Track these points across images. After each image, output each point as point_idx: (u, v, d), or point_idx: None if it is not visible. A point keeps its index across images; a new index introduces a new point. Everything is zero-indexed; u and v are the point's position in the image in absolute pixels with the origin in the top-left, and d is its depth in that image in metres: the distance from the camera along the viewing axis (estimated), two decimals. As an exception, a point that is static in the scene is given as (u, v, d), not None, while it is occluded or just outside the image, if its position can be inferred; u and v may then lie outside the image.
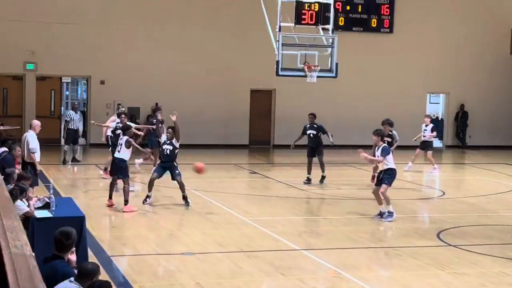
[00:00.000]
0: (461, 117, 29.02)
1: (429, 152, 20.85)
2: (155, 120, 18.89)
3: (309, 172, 18.22)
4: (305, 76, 19.38)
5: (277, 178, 19.71)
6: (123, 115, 16.77)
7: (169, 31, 25.71)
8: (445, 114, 29.64)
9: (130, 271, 10.15)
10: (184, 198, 14.57)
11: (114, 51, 25.23)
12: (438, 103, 30.50)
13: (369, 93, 27.40)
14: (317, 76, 19.40)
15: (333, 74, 19.68)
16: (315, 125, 18.44)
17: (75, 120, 20.85)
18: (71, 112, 21.08)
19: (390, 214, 13.55)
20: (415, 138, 21.47)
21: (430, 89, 29.09)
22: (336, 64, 19.48)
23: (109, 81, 25.53)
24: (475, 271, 10.58)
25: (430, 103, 30.13)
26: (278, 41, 18.95)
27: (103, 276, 7.53)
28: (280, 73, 19.38)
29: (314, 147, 18.27)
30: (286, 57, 19.44)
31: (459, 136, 29.12)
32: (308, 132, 18.43)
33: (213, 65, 26.16)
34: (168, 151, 14.45)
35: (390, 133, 17.05)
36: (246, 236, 12.51)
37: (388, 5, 27.60)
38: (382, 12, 27.62)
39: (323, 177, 18.14)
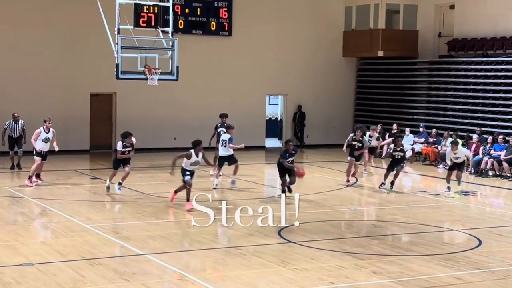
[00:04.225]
0: (299, 118, 29.94)
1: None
2: None
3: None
4: (146, 79, 19.21)
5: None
6: None
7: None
8: (283, 115, 30.44)
9: (-36, 286, 9.57)
10: None
11: None
12: (277, 104, 31.27)
13: (211, 95, 27.59)
14: (158, 79, 19.29)
15: (174, 77, 19.63)
16: (225, 124, 19.67)
17: None
18: None
19: None
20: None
21: (269, 90, 29.76)
22: (177, 66, 19.45)
23: None
24: (315, 266, 10.94)
25: (269, 104, 30.85)
26: (117, 43, 18.64)
27: None
28: (120, 76, 19.11)
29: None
30: (126, 60, 19.16)
31: (297, 136, 29.99)
32: (219, 130, 19.70)
33: (50, 69, 25.34)
34: None
35: (361, 138, 19.09)
36: (88, 244, 12.18)
37: (226, 9, 27.91)
38: (221, 15, 27.88)
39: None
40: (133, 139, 17.09)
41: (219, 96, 27.62)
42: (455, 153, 18.07)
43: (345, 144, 19.96)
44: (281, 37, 29.06)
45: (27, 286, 9.53)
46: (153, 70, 19.11)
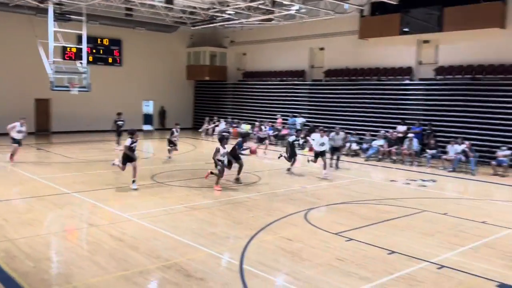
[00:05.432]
0: (161, 113, 29.40)
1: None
2: None
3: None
4: (70, 90, 18.07)
5: None
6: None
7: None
8: (153, 111, 29.69)
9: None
10: None
11: None
12: (149, 106, 30.40)
13: (110, 100, 26.26)
14: (78, 91, 18.22)
15: (88, 90, 18.64)
16: (121, 118, 19.07)
17: None
18: None
19: None
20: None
21: (144, 97, 28.86)
22: (89, 83, 18.41)
23: None
24: (172, 195, 10.77)
25: (145, 106, 29.91)
26: (52, 69, 17.34)
27: None
28: (54, 88, 17.78)
29: (121, 131, 18.70)
30: (58, 79, 17.80)
31: (162, 123, 29.49)
32: (118, 122, 18.88)
33: (8, 82, 22.58)
34: None
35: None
36: (35, 188, 11.21)
37: (118, 50, 26.72)
38: (115, 54, 26.67)
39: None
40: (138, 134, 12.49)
41: (116, 101, 26.37)
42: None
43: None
44: (152, 66, 28.30)
45: None
46: (74, 85, 17.97)
